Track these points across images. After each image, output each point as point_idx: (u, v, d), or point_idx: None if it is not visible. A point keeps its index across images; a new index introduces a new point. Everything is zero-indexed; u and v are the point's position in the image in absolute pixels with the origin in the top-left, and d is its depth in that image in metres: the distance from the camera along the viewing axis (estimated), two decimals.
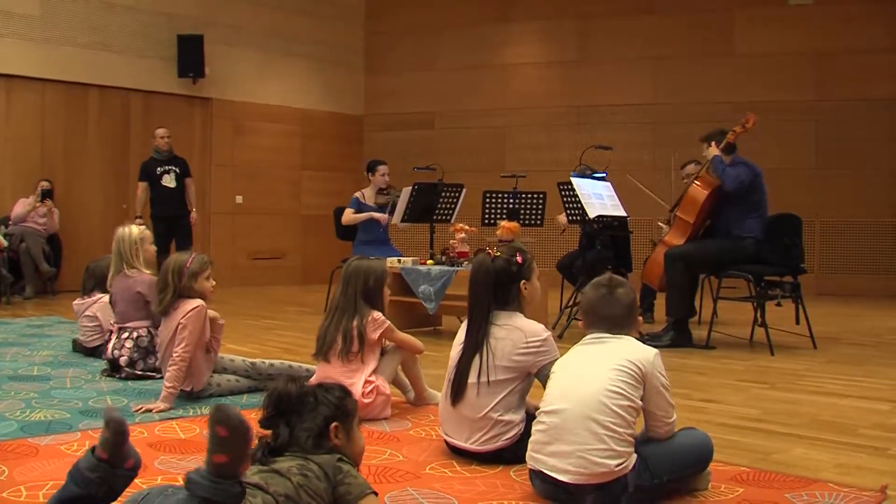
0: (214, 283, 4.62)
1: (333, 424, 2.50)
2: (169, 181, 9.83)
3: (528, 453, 2.84)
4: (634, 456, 2.72)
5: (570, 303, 7.65)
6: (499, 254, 3.36)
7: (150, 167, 9.86)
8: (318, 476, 2.33)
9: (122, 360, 5.02)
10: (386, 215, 8.31)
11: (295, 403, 2.50)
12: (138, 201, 9.86)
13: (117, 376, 5.03)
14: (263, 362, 4.78)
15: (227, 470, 2.09)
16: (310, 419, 2.48)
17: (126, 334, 5.09)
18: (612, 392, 2.70)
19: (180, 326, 4.37)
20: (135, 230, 5.28)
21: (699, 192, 6.63)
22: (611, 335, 2.92)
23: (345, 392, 2.61)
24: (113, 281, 5.29)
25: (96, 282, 5.99)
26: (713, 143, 6.61)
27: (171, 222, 9.75)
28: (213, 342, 4.58)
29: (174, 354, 4.32)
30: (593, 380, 2.75)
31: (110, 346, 5.15)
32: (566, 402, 2.75)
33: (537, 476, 2.81)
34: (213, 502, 2.07)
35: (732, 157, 6.56)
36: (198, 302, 4.42)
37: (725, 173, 6.43)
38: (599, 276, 3.07)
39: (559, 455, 2.71)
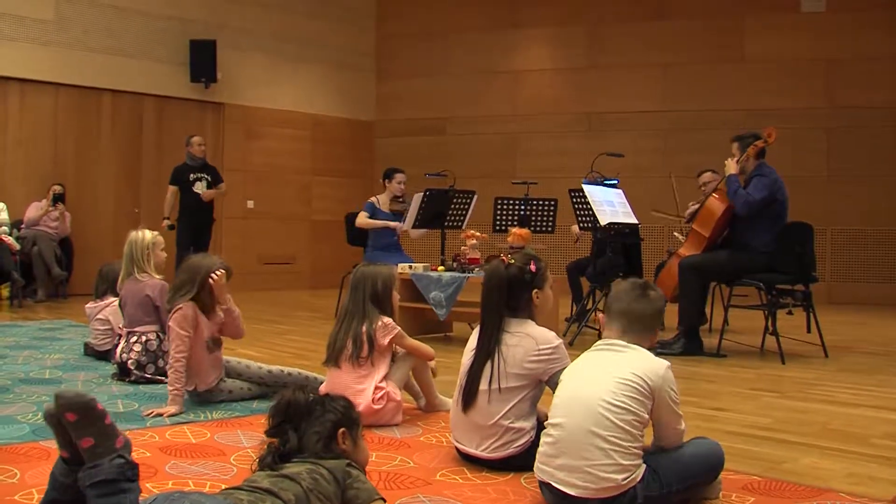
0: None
1: (341, 430, 2.55)
2: (200, 188, 9.94)
3: (537, 464, 2.83)
4: (643, 467, 2.70)
5: (578, 314, 7.65)
6: (512, 261, 3.35)
7: (183, 173, 9.95)
8: (327, 480, 2.36)
9: (131, 364, 5.04)
10: (402, 223, 8.28)
11: (304, 411, 2.55)
12: (167, 204, 9.93)
13: (127, 380, 5.05)
14: (282, 370, 4.73)
15: (100, 449, 2.18)
16: (319, 424, 2.54)
17: (134, 338, 5.11)
18: (616, 407, 2.66)
19: (169, 329, 4.41)
20: (148, 235, 5.29)
21: (716, 205, 6.62)
22: (623, 344, 2.87)
23: (349, 402, 2.70)
24: (123, 284, 5.31)
25: (109, 285, 6.01)
26: (730, 160, 6.59)
27: (198, 228, 9.84)
28: (224, 326, 4.56)
29: (170, 357, 4.36)
30: (596, 392, 2.71)
31: (119, 349, 5.18)
32: (570, 416, 2.73)
33: (546, 487, 2.80)
34: (109, 481, 2.17)
35: (759, 163, 6.53)
36: (181, 304, 4.39)
37: (737, 195, 6.39)
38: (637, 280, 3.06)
39: (566, 469, 2.69)
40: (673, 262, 6.88)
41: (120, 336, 5.37)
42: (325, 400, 2.62)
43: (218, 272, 4.43)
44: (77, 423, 2.19)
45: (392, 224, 8.29)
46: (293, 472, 2.34)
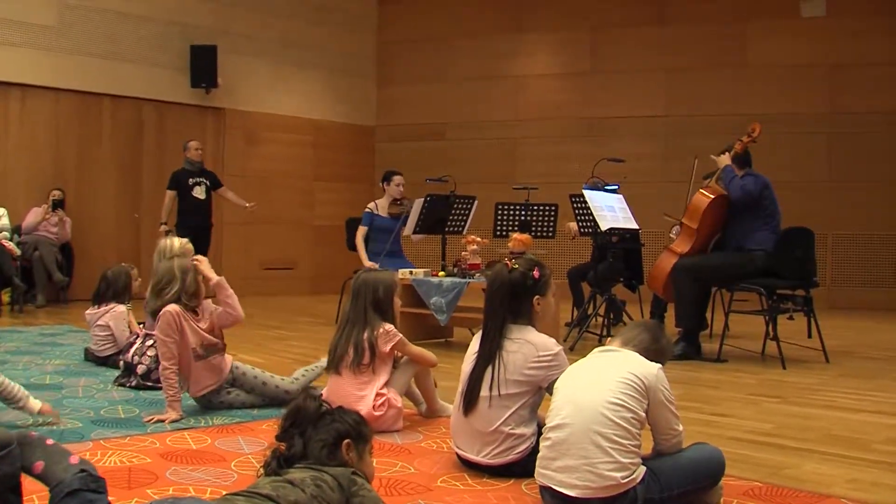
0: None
1: (346, 441, 2.54)
2: (199, 193, 9.94)
3: (537, 469, 2.83)
4: (643, 468, 2.71)
5: (579, 319, 7.65)
6: (516, 266, 3.35)
7: (182, 178, 9.94)
8: (331, 487, 2.35)
9: (140, 369, 5.05)
10: (375, 265, 8.16)
11: (312, 418, 2.55)
12: (165, 209, 9.91)
13: (128, 384, 5.05)
14: (300, 388, 4.68)
15: (54, 467, 2.27)
16: (325, 432, 2.53)
17: (151, 342, 5.11)
18: (614, 404, 2.69)
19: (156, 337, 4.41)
20: (177, 244, 5.29)
21: (702, 199, 6.67)
22: (616, 348, 2.94)
23: (362, 418, 2.69)
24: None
25: (114, 291, 6.02)
26: (725, 153, 6.64)
27: (197, 232, 9.79)
28: (220, 316, 4.51)
29: (160, 365, 4.37)
30: (595, 393, 2.74)
31: (132, 349, 5.18)
32: (570, 417, 2.75)
33: (546, 491, 2.80)
34: (74, 491, 2.23)
35: (745, 170, 6.57)
36: (164, 308, 4.37)
37: (733, 183, 6.46)
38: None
39: (566, 470, 2.70)
40: (662, 258, 6.87)
41: (137, 335, 5.37)
42: (337, 411, 2.62)
43: (197, 257, 4.50)
44: (22, 456, 2.23)
45: (367, 264, 8.10)
46: (297, 478, 2.33)
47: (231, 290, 4.51)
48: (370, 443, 2.66)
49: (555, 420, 2.79)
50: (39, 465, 2.23)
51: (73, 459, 2.28)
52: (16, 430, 2.30)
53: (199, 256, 4.54)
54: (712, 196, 6.59)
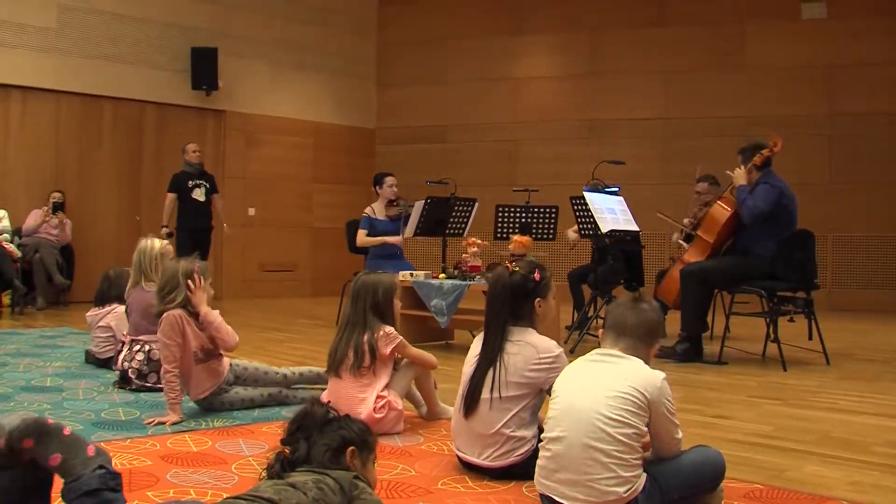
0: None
1: (351, 448, 2.55)
2: (199, 195, 9.96)
3: (537, 478, 2.81)
4: (644, 476, 2.69)
5: (579, 321, 7.65)
6: (517, 268, 3.35)
7: (182, 180, 9.96)
8: (333, 490, 2.35)
9: (132, 373, 5.05)
10: (400, 237, 8.25)
11: (319, 423, 2.56)
12: (165, 212, 9.93)
13: (128, 388, 5.05)
14: (295, 372, 4.83)
15: (73, 461, 2.16)
16: (330, 437, 2.54)
17: (137, 347, 5.11)
18: (615, 420, 2.64)
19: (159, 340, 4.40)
20: (157, 244, 5.30)
21: (721, 212, 6.64)
22: (618, 354, 2.84)
23: (368, 427, 2.69)
24: (130, 292, 5.33)
25: (118, 292, 6.02)
26: (739, 169, 6.58)
27: (198, 235, 9.83)
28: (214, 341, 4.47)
29: (162, 368, 4.37)
30: (591, 405, 2.68)
31: (121, 357, 5.19)
32: (568, 430, 2.71)
33: (547, 499, 2.78)
34: (92, 491, 2.14)
35: (764, 172, 6.53)
36: (168, 312, 4.36)
37: (745, 205, 6.41)
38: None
39: (567, 483, 2.68)
40: (676, 268, 6.88)
41: (122, 343, 5.37)
42: (344, 419, 2.64)
43: (195, 278, 4.38)
44: (37, 447, 2.16)
45: (390, 240, 8.21)
46: (299, 482, 2.33)
47: (218, 322, 4.39)
48: (374, 452, 2.66)
49: (553, 431, 2.76)
50: (57, 458, 2.16)
51: (90, 450, 2.21)
52: (32, 417, 2.23)
53: (193, 285, 4.39)
54: (731, 210, 6.57)
